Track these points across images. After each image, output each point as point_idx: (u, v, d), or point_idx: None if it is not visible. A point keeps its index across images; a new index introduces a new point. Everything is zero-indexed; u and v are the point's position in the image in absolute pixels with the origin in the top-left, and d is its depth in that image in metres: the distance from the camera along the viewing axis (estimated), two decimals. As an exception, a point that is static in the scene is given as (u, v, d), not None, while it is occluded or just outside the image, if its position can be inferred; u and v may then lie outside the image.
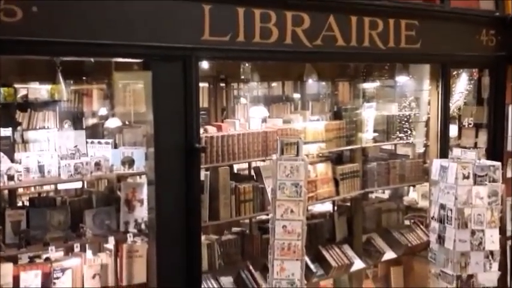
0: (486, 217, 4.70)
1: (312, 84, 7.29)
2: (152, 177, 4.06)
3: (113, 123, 5.64)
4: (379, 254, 5.81)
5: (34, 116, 5.97)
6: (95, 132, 5.63)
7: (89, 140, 4.81)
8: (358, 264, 5.65)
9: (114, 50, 3.80)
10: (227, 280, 4.84)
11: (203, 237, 4.58)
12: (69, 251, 4.54)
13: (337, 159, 5.69)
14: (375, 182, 5.78)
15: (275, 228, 4.10)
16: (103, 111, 6.03)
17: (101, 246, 4.83)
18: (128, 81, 4.96)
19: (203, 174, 4.50)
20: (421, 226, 6.23)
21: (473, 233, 4.70)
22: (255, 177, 5.09)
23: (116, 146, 4.88)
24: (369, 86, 5.99)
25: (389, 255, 5.90)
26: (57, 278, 4.26)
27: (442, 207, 4.80)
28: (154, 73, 3.94)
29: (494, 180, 4.77)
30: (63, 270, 4.29)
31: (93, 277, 4.42)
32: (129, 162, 4.63)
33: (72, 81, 5.70)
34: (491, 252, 4.74)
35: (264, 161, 4.97)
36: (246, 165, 5.69)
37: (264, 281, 4.76)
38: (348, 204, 5.93)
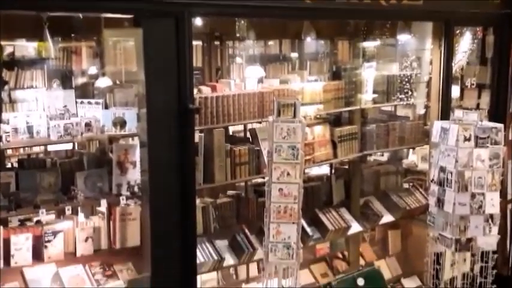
0: (487, 180, 4.67)
1: (311, 43, 7.17)
2: (145, 139, 4.02)
3: (103, 82, 5.57)
4: (376, 217, 5.84)
5: (21, 74, 5.90)
6: (85, 92, 5.58)
7: (79, 100, 4.76)
8: (355, 227, 5.68)
9: (103, 5, 3.71)
10: (222, 243, 4.86)
11: (198, 201, 4.58)
12: (60, 214, 4.54)
13: (335, 121, 5.63)
14: (373, 145, 5.75)
15: (271, 191, 4.08)
16: (93, 70, 5.96)
17: (93, 209, 4.83)
18: (118, 39, 4.85)
19: (197, 136, 4.46)
20: (420, 189, 6.22)
21: (473, 196, 4.68)
22: (250, 139, 5.03)
23: (106, 107, 4.83)
24: (369, 45, 5.87)
25: (387, 218, 5.88)
26: (49, 241, 4.27)
27: (442, 170, 4.77)
28: (146, 30, 3.86)
29: (496, 143, 4.73)
30: (54, 233, 4.30)
31: (86, 240, 4.43)
32: (120, 123, 4.60)
33: (60, 39, 5.59)
34: (491, 216, 4.72)
35: (260, 122, 4.92)
36: (241, 127, 5.65)
37: (260, 244, 4.77)
38: (346, 167, 5.94)
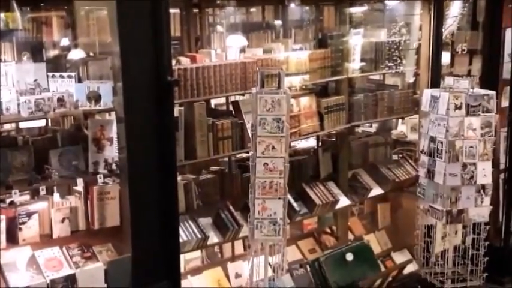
0: (478, 149, 4.75)
1: (295, 10, 7.13)
2: (121, 114, 4.00)
3: (76, 54, 5.49)
4: (365, 191, 5.89)
5: (-12, 47, 5.78)
6: (57, 65, 5.43)
7: (50, 74, 4.66)
8: (343, 201, 5.73)
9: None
10: (206, 221, 4.88)
11: (179, 177, 4.58)
12: (35, 195, 4.51)
13: (321, 92, 5.65)
14: (361, 115, 5.79)
15: (256, 166, 4.13)
16: (65, 41, 5.84)
17: (69, 188, 4.77)
18: (91, 8, 4.74)
19: (177, 110, 4.46)
20: (410, 160, 6.29)
21: (464, 166, 4.77)
22: (233, 112, 5.01)
23: (80, 80, 4.75)
24: (356, 11, 5.86)
25: (376, 191, 5.96)
26: (23, 223, 4.24)
27: (432, 140, 4.84)
28: (119, -2, 3.80)
29: (488, 111, 4.79)
30: (29, 215, 4.26)
31: (62, 221, 4.39)
32: (95, 97, 4.51)
33: (28, 8, 5.46)
34: (483, 186, 4.83)
35: (243, 94, 4.92)
36: (223, 100, 5.63)
37: (245, 221, 4.78)
38: (333, 139, 5.96)
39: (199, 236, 4.78)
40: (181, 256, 4.50)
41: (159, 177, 4.09)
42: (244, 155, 5.13)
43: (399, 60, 5.98)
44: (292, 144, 5.72)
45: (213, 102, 5.53)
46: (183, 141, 4.54)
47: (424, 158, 4.96)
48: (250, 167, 4.18)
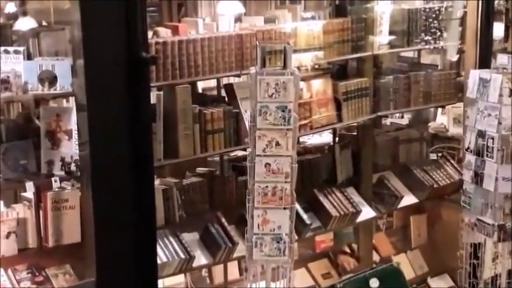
0: (540, 148, 4.73)
1: (304, -34, 7.11)
2: (83, 100, 3.91)
3: (24, 24, 5.50)
4: (394, 199, 5.93)
5: None
6: (0, 37, 5.43)
7: (-9, 49, 4.64)
8: (366, 212, 5.77)
9: None
10: (191, 237, 4.93)
11: (157, 181, 4.65)
12: (-27, 202, 4.54)
13: (339, 73, 5.67)
14: (390, 103, 5.81)
15: (255, 167, 4.09)
16: (10, 7, 5.85)
17: (16, 195, 4.81)
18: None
19: (154, 96, 4.49)
20: (452, 161, 6.35)
21: (522, 168, 4.75)
22: (226, 98, 5.07)
23: (30, 57, 4.78)
24: (384, -32, 5.93)
25: (409, 200, 6.00)
26: (-42, 238, 4.29)
27: (481, 134, 4.76)
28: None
29: (552, 98, 4.77)
30: (-35, 229, 4.31)
31: (7, 236, 4.41)
32: (49, 78, 4.53)
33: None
34: (546, 195, 4.80)
35: (239, 76, 4.95)
36: (214, 83, 5.70)
37: (241, 237, 4.82)
38: (354, 133, 5.99)
39: (182, 256, 4.80)
40: (160, 282, 4.55)
41: (131, 181, 4.01)
42: (240, 153, 5.19)
43: (439, 33, 6.01)
44: (301, 139, 5.79)
45: (200, 85, 5.62)
46: (162, 135, 4.58)
47: (470, 158, 4.93)
48: (248, 169, 4.14)
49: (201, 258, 4.90)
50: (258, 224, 4.10)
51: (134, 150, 3.98)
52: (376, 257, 6.16)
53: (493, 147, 4.74)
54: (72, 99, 4.62)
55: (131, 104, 3.92)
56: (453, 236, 5.35)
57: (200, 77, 4.73)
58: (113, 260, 4.07)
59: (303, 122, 5.16)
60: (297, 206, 4.72)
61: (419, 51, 6.42)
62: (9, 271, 4.39)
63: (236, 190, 5.05)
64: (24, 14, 5.55)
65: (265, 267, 4.20)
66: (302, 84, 5.06)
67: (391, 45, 5.81)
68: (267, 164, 4.08)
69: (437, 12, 6.01)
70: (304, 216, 5.34)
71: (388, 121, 6.48)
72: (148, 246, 4.15)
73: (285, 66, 4.10)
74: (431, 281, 6.33)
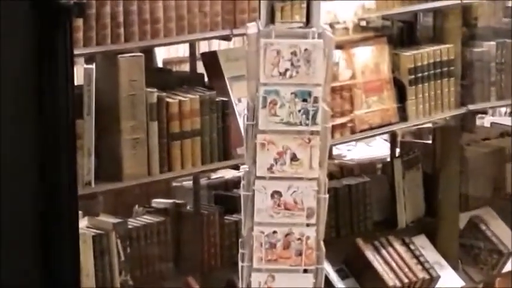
0: None
1: None
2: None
3: None
4: (498, 257, 4.98)
5: None
6: None
7: None
8: (449, 280, 4.88)
9: None
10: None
11: (83, 222, 3.78)
12: None
13: (403, 36, 4.69)
14: (491, 89, 4.77)
15: (254, 198, 3.33)
16: None
17: None
18: None
19: (81, 72, 3.60)
20: None
21: None
22: (206, 78, 4.09)
23: None
24: None
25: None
26: None
27: None
28: None
29: None
30: None
31: None
32: None
33: None
34: None
35: (228, 38, 3.96)
36: (183, 50, 5.21)
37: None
38: (428, 142, 5.09)
39: None
40: None
41: (40, 219, 3.15)
42: (229, 173, 4.45)
43: None
44: (336, 151, 5.06)
45: (161, 54, 5.23)
46: (94, 141, 3.59)
47: None
48: (242, 201, 3.33)
49: None
50: (260, 297, 3.61)
51: (43, 165, 3.12)
52: None
53: None
54: None
55: (40, 84, 3.09)
56: None
57: (160, 39, 3.76)
58: None
59: (340, 120, 4.31)
60: (327, 268, 4.14)
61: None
62: None
63: (221, 238, 4.12)
64: None
65: None
66: (338, 54, 4.26)
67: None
68: (276, 194, 3.33)
69: None
70: (340, 285, 4.50)
71: (486, 120, 5.48)
72: None
73: (308, 22, 3.35)
74: None
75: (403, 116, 4.61)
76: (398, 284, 4.61)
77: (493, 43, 4.83)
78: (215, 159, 3.94)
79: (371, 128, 4.57)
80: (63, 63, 3.06)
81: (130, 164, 3.71)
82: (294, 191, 3.30)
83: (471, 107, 4.82)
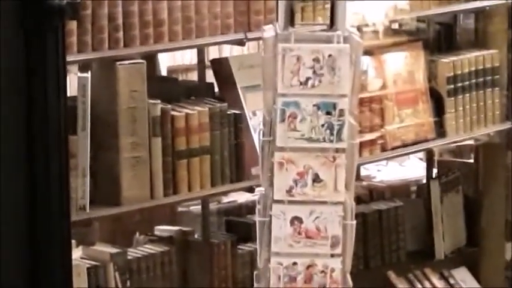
0: None
1: None
2: None
3: None
4: None
5: None
6: None
7: None
8: None
9: None
10: None
11: (77, 253, 3.66)
12: None
13: (438, 41, 4.53)
14: None
15: (272, 224, 3.23)
16: None
17: None
18: None
19: (74, 81, 3.54)
20: None
21: None
22: (216, 87, 3.95)
23: None
24: None
25: None
26: None
27: None
28: None
29: None
30: None
31: None
32: None
33: None
34: None
35: (241, 43, 3.84)
36: (191, 57, 5.29)
37: None
38: (470, 161, 4.99)
39: None
40: None
41: (28, 250, 3.02)
42: (243, 196, 4.36)
43: None
44: (365, 171, 4.93)
45: (165, 61, 5.25)
46: (89, 160, 3.49)
47: None
48: (258, 228, 3.21)
49: None
50: None
51: (33, 187, 3.06)
52: None
53: None
54: None
55: (26, 97, 3.02)
56: None
57: (165, 44, 3.62)
58: None
59: (369, 136, 4.17)
60: (356, 305, 4.04)
61: None
62: None
63: (233, 270, 3.96)
64: None
65: None
66: (367, 61, 4.14)
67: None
68: (296, 220, 3.23)
69: None
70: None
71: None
72: None
73: (332, 25, 3.28)
74: None
75: (440, 131, 4.47)
76: (434, 325, 4.51)
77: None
78: (226, 180, 3.80)
79: (404, 145, 4.42)
80: (54, 72, 2.96)
81: (130, 186, 3.57)
82: (317, 217, 3.19)
83: (519, 121, 4.71)
